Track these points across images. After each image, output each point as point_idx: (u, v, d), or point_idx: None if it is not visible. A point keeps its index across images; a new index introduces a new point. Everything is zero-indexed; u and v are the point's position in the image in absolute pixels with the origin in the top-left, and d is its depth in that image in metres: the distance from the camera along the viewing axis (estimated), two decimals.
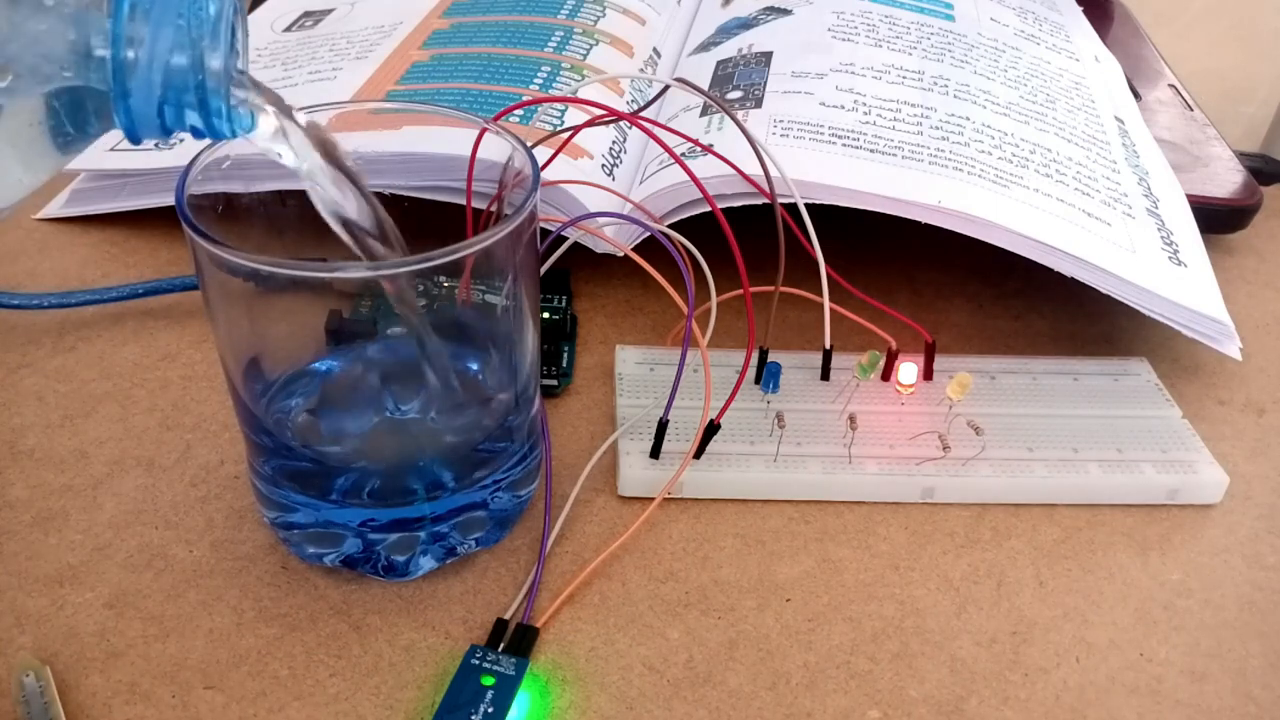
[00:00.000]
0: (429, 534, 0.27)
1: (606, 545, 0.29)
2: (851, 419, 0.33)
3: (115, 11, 0.19)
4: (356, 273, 0.24)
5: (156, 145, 0.42)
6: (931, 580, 0.29)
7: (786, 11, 0.48)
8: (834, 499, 0.32)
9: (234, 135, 0.22)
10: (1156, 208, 0.40)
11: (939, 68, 0.44)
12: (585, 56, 0.46)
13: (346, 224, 0.23)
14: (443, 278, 0.25)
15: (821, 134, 0.38)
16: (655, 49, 0.50)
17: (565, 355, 0.36)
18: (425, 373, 0.25)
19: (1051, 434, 0.33)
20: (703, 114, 0.41)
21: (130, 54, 0.19)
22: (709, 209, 0.33)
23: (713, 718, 0.26)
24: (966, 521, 0.31)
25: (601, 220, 0.37)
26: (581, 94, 0.43)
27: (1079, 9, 0.56)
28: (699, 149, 0.36)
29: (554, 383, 0.35)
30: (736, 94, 0.42)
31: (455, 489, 0.27)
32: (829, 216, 0.35)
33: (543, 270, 0.32)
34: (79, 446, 0.32)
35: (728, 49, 0.47)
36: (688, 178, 0.33)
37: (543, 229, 0.28)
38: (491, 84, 0.43)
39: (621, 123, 0.42)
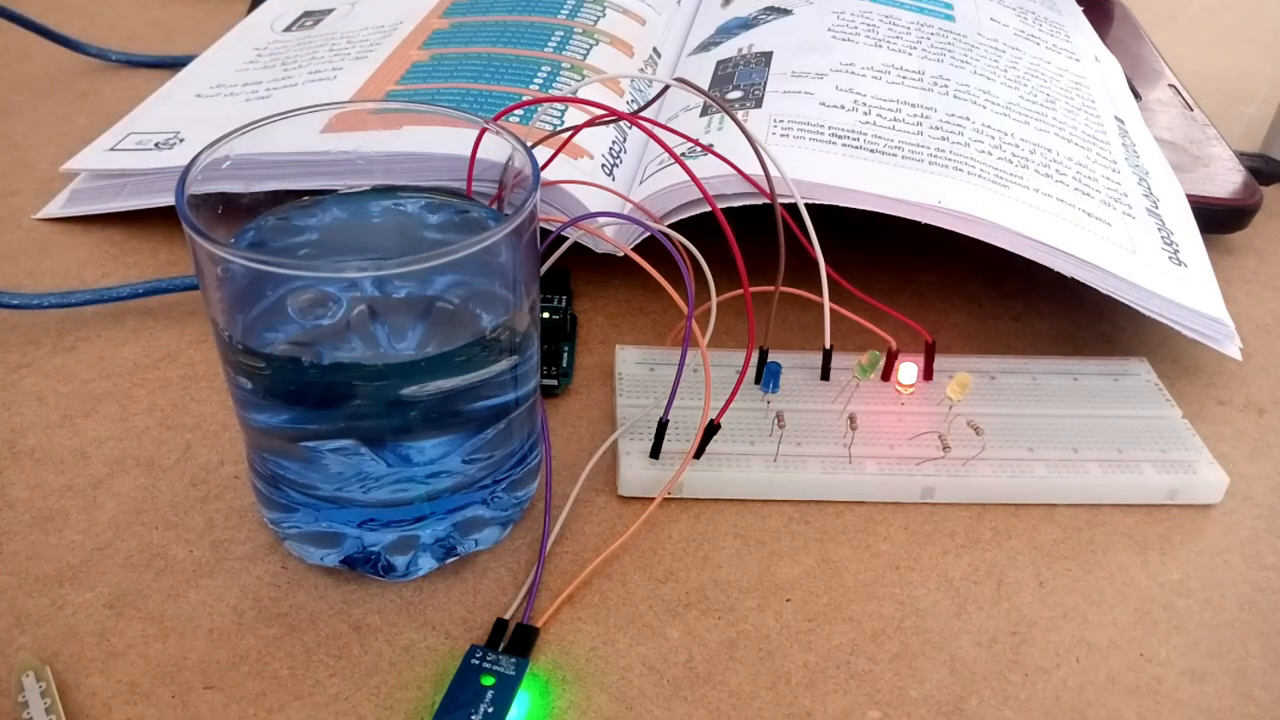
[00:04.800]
0: (429, 534, 0.27)
1: (606, 545, 0.29)
2: (851, 419, 0.33)
3: None
4: (357, 273, 0.24)
5: (156, 145, 0.42)
6: (931, 580, 0.29)
7: (786, 11, 0.48)
8: (834, 499, 0.32)
9: None
10: (1156, 208, 0.40)
11: (939, 68, 0.44)
12: (585, 56, 0.46)
13: None
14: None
15: (821, 134, 0.38)
16: (655, 49, 0.50)
17: (565, 355, 0.36)
18: None
19: (1051, 434, 0.33)
20: (703, 114, 0.41)
21: None
22: (709, 209, 0.33)
23: (713, 718, 0.26)
24: (966, 521, 0.31)
25: (601, 220, 0.37)
26: (581, 94, 0.43)
27: (1079, 9, 0.56)
28: (699, 149, 0.36)
29: (554, 383, 0.35)
30: (736, 94, 0.42)
31: (454, 486, 0.27)
32: (829, 216, 0.35)
33: (543, 270, 0.32)
34: (79, 446, 0.32)
35: (728, 49, 0.47)
36: (688, 178, 0.33)
37: (543, 229, 0.28)
38: (491, 84, 0.43)
39: (621, 123, 0.42)
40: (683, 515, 0.31)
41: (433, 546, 0.28)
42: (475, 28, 0.49)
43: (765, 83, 0.42)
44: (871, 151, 0.37)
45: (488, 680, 0.25)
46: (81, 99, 0.53)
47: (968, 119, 0.40)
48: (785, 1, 0.50)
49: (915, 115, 0.40)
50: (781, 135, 0.38)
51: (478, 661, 0.26)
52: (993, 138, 0.39)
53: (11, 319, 0.38)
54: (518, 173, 0.27)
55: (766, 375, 0.34)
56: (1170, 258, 0.37)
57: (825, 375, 0.35)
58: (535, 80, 0.44)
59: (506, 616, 0.27)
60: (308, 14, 0.53)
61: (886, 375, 0.35)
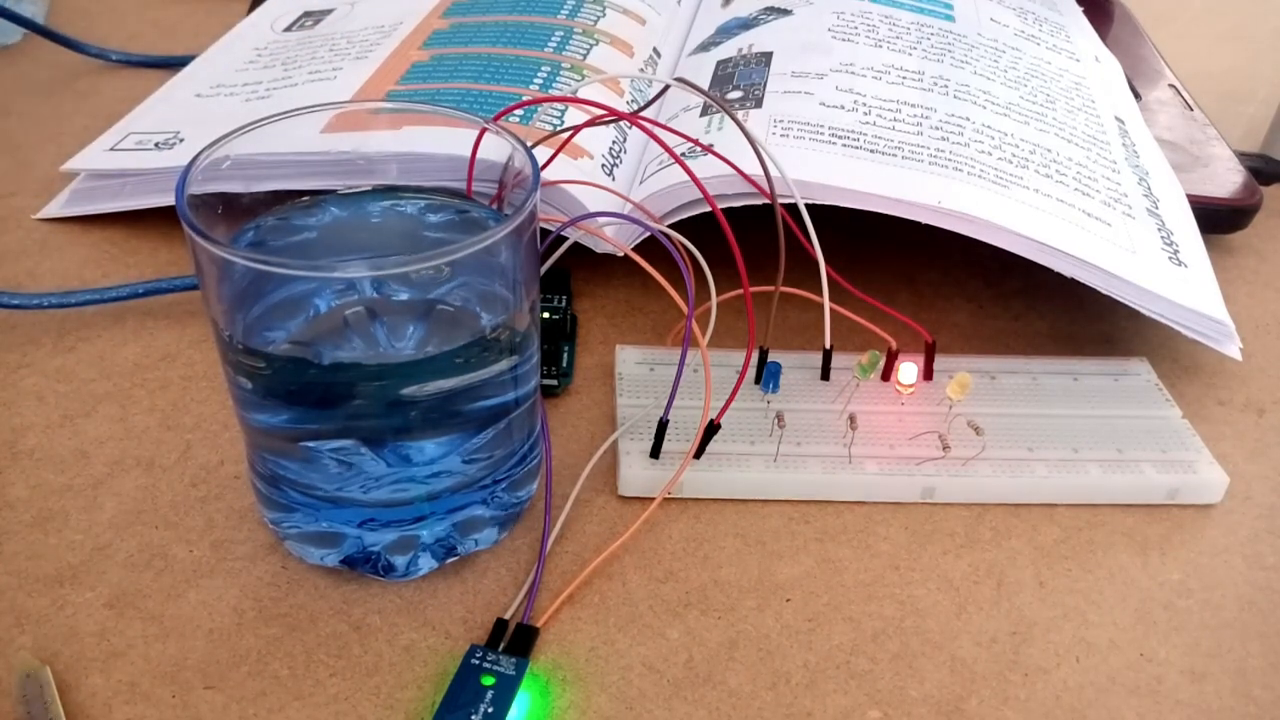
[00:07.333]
0: (429, 534, 0.27)
1: (606, 545, 0.29)
2: (851, 419, 0.33)
3: None
4: (357, 272, 0.24)
5: (156, 145, 0.42)
6: (931, 580, 0.29)
7: (786, 12, 0.48)
8: (834, 499, 0.32)
9: None
10: (1156, 208, 0.40)
11: (939, 68, 0.44)
12: (585, 56, 0.46)
13: None
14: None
15: (821, 134, 0.38)
16: (655, 49, 0.50)
17: (565, 355, 0.36)
18: None
19: (1051, 434, 0.33)
20: (703, 114, 0.41)
21: None
22: (709, 209, 0.33)
23: (713, 718, 0.26)
24: (966, 521, 0.31)
25: (601, 220, 0.37)
26: (581, 94, 0.43)
27: (1079, 9, 0.56)
28: (699, 149, 0.36)
29: (554, 383, 0.35)
30: (736, 94, 0.42)
31: (454, 486, 0.27)
32: (829, 216, 0.35)
33: (543, 270, 0.32)
34: (79, 446, 0.32)
35: (728, 49, 0.47)
36: (688, 178, 0.33)
37: (543, 229, 0.28)
38: (491, 84, 0.43)
39: (621, 123, 0.42)
40: (683, 515, 0.31)
41: (433, 546, 0.28)
42: (475, 28, 0.49)
43: (765, 83, 0.42)
44: (871, 152, 0.37)
45: (488, 680, 0.25)
46: (81, 99, 0.53)
47: (968, 119, 0.40)
48: (785, 2, 0.50)
49: (915, 115, 0.40)
50: (781, 135, 0.38)
51: (478, 661, 0.26)
52: (993, 138, 0.39)
53: (11, 319, 0.38)
54: (518, 173, 0.27)
55: (766, 375, 0.34)
56: (1170, 258, 0.37)
57: (825, 375, 0.35)
58: (535, 80, 0.44)
59: (506, 616, 0.27)
60: (308, 14, 0.53)
61: (886, 375, 0.35)
